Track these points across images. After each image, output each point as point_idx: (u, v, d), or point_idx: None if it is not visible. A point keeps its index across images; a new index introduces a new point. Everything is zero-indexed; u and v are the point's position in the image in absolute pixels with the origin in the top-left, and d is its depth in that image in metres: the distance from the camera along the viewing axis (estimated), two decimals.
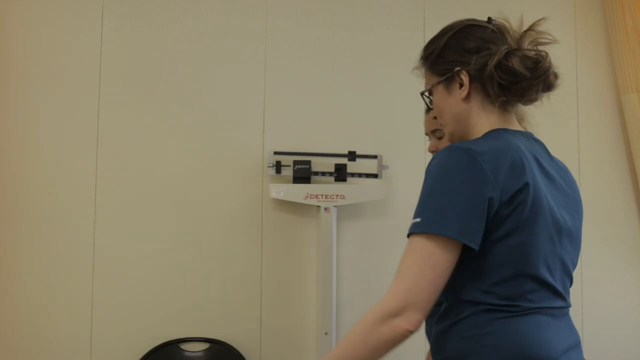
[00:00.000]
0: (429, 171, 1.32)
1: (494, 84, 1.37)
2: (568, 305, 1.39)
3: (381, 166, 2.92)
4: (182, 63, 2.92)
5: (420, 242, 1.25)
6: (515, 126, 1.42)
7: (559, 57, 3.40)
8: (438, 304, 1.35)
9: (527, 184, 1.28)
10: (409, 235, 1.29)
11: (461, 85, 1.41)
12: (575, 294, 3.10)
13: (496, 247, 1.27)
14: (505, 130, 1.39)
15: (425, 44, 1.49)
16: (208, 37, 2.95)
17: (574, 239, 1.41)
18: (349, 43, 3.05)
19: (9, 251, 2.74)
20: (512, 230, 1.27)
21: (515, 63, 1.35)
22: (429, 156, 3.04)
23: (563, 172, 1.45)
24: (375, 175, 2.92)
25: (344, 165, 2.90)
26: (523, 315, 1.29)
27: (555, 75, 1.40)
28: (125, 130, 2.86)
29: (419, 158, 3.04)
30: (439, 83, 1.45)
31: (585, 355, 3.06)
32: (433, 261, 1.24)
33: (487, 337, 1.27)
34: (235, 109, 2.95)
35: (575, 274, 3.09)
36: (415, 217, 1.28)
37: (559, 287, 1.35)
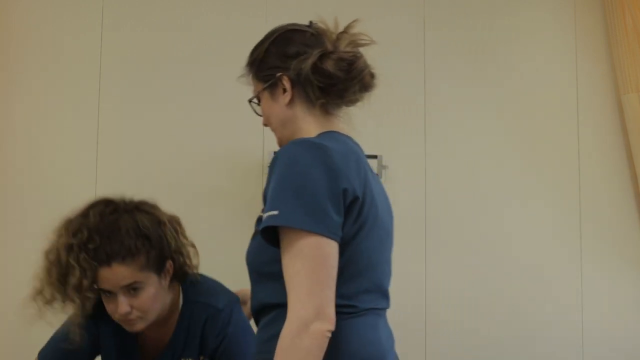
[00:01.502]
0: (278, 163, 1.26)
1: (313, 87, 1.39)
2: (389, 306, 1.41)
3: (381, 166, 2.91)
4: (182, 63, 2.92)
5: (298, 241, 1.20)
6: (342, 129, 1.45)
7: (559, 57, 3.39)
8: (267, 307, 1.33)
9: (366, 186, 1.29)
10: (264, 229, 1.24)
11: (284, 90, 1.42)
12: (574, 293, 3.10)
13: (341, 246, 1.24)
14: (338, 132, 1.41)
15: (251, 49, 1.49)
16: (208, 37, 2.95)
17: (392, 239, 1.46)
18: None
19: (8, 251, 2.74)
20: (354, 230, 1.26)
21: (329, 65, 1.37)
22: (429, 156, 3.04)
23: (374, 174, 1.47)
24: None
25: None
26: (359, 316, 1.28)
27: (372, 75, 1.45)
28: (126, 130, 2.86)
29: (419, 158, 3.03)
30: (264, 90, 1.46)
31: (585, 355, 3.06)
32: (321, 255, 1.19)
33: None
34: (235, 109, 2.94)
35: (575, 274, 3.11)
36: (272, 209, 1.22)
37: (386, 288, 1.38)
